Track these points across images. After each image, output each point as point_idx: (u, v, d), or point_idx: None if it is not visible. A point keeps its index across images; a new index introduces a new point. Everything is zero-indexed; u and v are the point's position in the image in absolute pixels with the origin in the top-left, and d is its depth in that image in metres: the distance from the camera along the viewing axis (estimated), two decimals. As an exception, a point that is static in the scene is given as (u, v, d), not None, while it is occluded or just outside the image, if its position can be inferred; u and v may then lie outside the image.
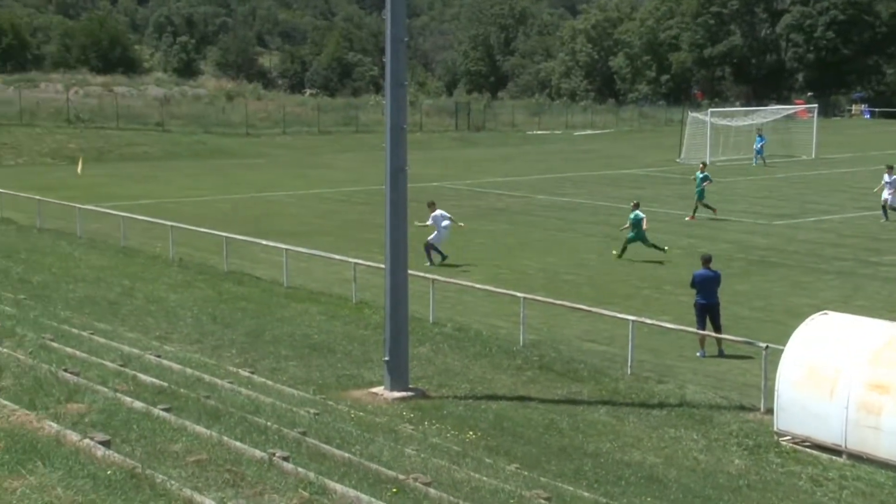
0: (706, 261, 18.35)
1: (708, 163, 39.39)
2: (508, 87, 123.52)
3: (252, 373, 15.23)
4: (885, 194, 32.86)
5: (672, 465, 12.55)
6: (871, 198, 38.36)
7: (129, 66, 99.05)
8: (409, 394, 14.93)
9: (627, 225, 26.52)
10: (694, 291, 18.19)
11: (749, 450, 13.32)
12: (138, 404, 9.83)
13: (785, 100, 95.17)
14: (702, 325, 17.90)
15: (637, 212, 26.15)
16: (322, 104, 77.49)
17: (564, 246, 28.44)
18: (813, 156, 56.35)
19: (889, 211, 32.69)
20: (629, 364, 16.42)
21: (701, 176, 33.38)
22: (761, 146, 52.45)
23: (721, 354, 17.66)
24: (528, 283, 22.94)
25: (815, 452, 13.22)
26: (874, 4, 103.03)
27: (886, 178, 32.97)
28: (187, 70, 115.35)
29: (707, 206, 32.99)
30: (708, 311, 17.92)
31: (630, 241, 26.16)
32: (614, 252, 26.48)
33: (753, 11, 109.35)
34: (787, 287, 23.19)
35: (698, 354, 17.70)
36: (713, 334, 17.58)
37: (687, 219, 32.61)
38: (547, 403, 14.81)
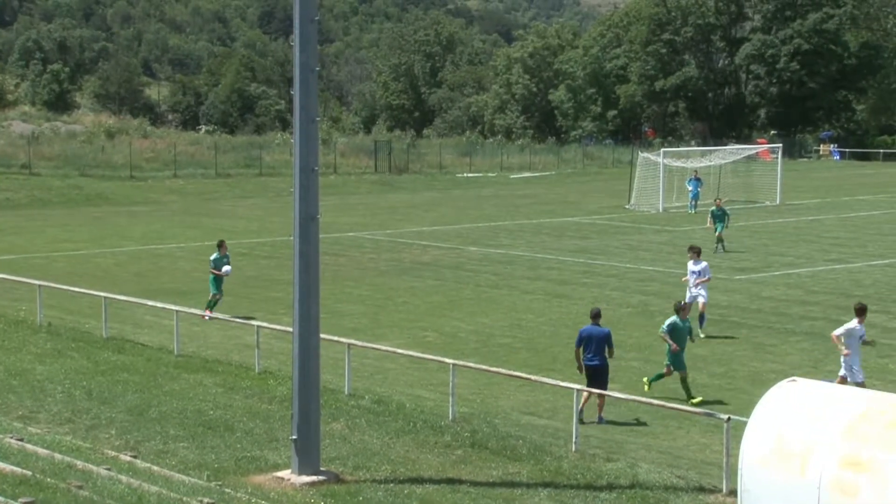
0: (594, 315, 18.64)
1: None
2: (435, 123, 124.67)
3: (135, 457, 15.01)
4: None
5: (624, 557, 12.60)
6: (841, 249, 39.48)
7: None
8: (321, 478, 14.84)
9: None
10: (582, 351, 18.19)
11: (710, 537, 13.47)
12: (-3, 497, 9.59)
13: (745, 138, 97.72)
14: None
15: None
16: (220, 143, 77.20)
17: (500, 304, 28.61)
18: (777, 201, 57.74)
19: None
20: (574, 440, 16.52)
21: (214, 258, 26.74)
22: (697, 191, 53.42)
23: (601, 421, 18.08)
24: (458, 347, 23.00)
25: (784, 538, 13.38)
26: (841, 33, 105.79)
27: None
28: (60, 103, 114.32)
29: (211, 304, 26.16)
30: (596, 374, 18.12)
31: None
32: None
33: (710, 40, 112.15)
34: (751, 350, 23.64)
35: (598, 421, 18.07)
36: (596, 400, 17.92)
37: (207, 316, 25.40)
38: (480, 487, 14.80)
